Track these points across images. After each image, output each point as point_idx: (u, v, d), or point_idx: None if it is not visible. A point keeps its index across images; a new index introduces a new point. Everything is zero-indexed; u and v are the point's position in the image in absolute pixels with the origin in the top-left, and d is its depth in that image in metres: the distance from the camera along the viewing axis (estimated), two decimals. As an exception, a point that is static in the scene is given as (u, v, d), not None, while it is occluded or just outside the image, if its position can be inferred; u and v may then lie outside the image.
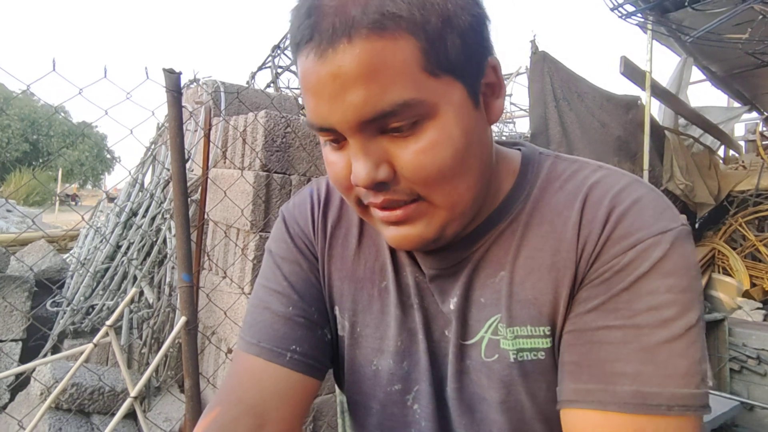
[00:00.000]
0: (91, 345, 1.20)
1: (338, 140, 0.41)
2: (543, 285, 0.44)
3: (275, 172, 1.67)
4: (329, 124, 0.39)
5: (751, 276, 3.74)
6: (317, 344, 0.53)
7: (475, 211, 0.45)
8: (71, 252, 2.30)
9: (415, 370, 0.50)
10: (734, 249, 3.94)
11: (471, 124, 0.40)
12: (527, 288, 0.44)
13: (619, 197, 0.42)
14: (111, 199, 2.40)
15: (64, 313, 1.81)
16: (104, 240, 1.90)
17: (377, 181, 0.39)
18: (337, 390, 1.25)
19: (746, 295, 3.51)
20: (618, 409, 0.37)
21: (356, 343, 0.53)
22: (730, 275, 3.76)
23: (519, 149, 0.52)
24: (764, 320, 3.25)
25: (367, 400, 0.53)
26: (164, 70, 1.37)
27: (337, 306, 0.55)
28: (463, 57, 0.39)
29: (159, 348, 1.87)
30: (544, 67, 2.64)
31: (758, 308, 3.34)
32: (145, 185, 2.26)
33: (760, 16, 2.88)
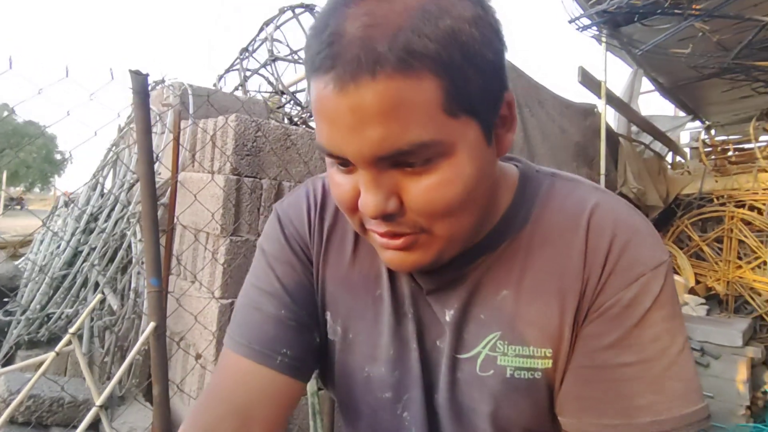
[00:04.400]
0: (52, 354, 1.16)
1: (347, 164, 0.40)
2: (550, 310, 0.45)
3: (246, 176, 1.66)
4: (343, 154, 0.38)
5: (696, 274, 4.01)
6: (307, 347, 0.53)
7: (473, 237, 0.46)
8: (23, 258, 2.18)
9: (407, 377, 0.51)
10: (681, 249, 4.22)
11: (483, 162, 0.41)
12: (534, 311, 0.45)
13: (620, 226, 0.44)
14: (66, 204, 2.30)
15: (18, 322, 1.72)
16: (62, 245, 1.82)
17: (386, 213, 0.39)
18: (309, 392, 1.26)
19: (692, 291, 3.77)
20: None
21: (348, 348, 0.53)
22: (677, 273, 4.02)
23: (516, 165, 0.53)
24: (707, 315, 3.50)
25: (357, 404, 0.54)
26: (131, 71, 1.34)
27: (329, 311, 0.55)
28: (481, 95, 0.38)
29: (123, 357, 1.81)
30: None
31: (702, 304, 3.59)
32: (106, 189, 2.19)
33: (700, 33, 3.12)
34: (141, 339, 1.28)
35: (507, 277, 0.47)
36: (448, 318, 0.49)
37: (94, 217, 2.03)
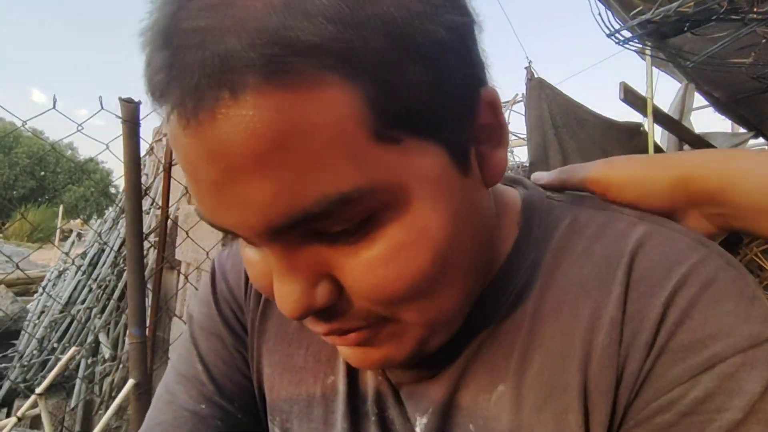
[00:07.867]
0: (13, 419, 1.01)
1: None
2: (570, 417, 0.29)
3: (248, 209, 1.52)
4: (223, 224, 0.25)
5: (773, 310, 3.51)
6: None
7: (466, 312, 0.31)
8: (35, 297, 2.13)
9: None
10: (752, 280, 3.73)
11: (458, 204, 0.26)
12: (545, 418, 0.29)
13: (682, 274, 0.28)
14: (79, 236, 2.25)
15: (14, 369, 1.63)
16: (65, 283, 1.74)
17: (315, 309, 0.26)
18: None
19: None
20: None
21: None
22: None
23: (518, 188, 0.38)
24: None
25: None
26: (120, 99, 1.26)
27: (268, 403, 0.40)
28: (436, 99, 0.24)
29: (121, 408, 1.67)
30: (541, 94, 2.55)
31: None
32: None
33: (764, 40, 2.80)
34: (117, 399, 1.12)
35: (504, 364, 0.31)
36: (418, 428, 0.33)
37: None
